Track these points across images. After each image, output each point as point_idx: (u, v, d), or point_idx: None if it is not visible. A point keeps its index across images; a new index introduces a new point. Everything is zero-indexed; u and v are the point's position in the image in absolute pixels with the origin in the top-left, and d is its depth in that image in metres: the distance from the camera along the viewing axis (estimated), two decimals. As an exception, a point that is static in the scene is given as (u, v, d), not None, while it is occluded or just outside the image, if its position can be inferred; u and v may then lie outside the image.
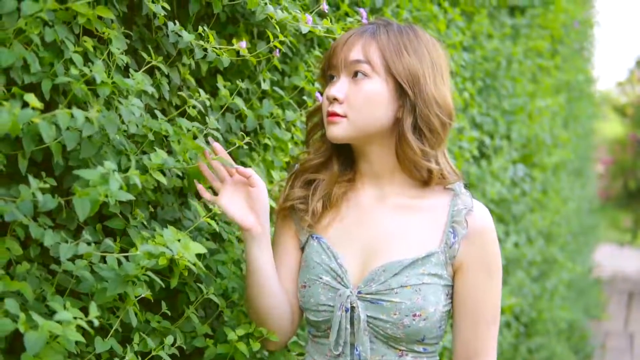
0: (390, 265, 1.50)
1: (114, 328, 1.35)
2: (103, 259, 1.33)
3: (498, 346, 1.58)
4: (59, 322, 1.11)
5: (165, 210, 1.62)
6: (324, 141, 1.61)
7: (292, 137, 1.96)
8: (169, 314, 1.51)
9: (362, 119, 1.52)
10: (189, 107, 1.58)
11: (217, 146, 1.54)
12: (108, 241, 1.38)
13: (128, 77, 1.40)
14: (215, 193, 1.55)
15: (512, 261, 4.13)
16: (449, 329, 2.00)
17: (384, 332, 1.50)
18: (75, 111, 1.18)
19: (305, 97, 2.00)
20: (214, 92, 1.77)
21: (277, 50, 1.73)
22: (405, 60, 1.51)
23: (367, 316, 1.50)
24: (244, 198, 1.54)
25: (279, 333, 1.60)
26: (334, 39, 1.74)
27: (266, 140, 1.88)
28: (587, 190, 8.69)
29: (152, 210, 1.58)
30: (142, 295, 1.35)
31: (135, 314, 1.39)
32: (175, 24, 1.55)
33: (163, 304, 1.50)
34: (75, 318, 1.13)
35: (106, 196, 1.15)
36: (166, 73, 1.57)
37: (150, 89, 1.43)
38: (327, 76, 1.58)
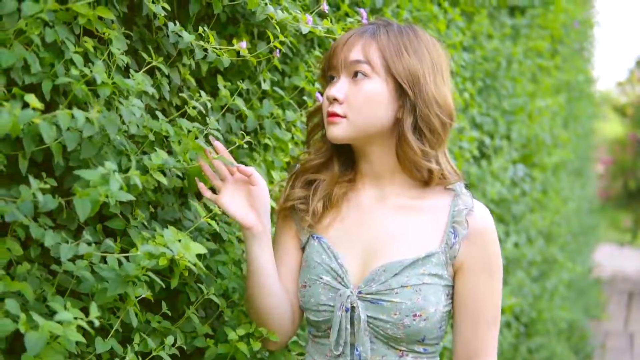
0: (391, 266, 1.50)
1: (114, 328, 1.35)
2: (103, 260, 1.33)
3: (498, 346, 1.58)
4: (59, 322, 1.11)
5: (165, 211, 1.62)
6: (324, 141, 1.61)
7: (293, 138, 1.97)
8: (170, 314, 1.52)
9: (362, 119, 1.52)
10: (189, 107, 1.58)
11: (218, 145, 1.54)
12: (108, 241, 1.38)
13: (128, 77, 1.40)
14: (216, 192, 1.55)
15: (512, 261, 4.13)
16: (450, 330, 2.00)
17: (384, 332, 1.50)
18: (76, 112, 1.18)
19: (305, 98, 2.00)
20: (214, 93, 1.77)
21: (278, 50, 1.73)
22: (405, 61, 1.51)
23: (368, 316, 1.50)
24: (244, 196, 1.54)
25: (279, 333, 1.60)
26: (334, 40, 1.74)
27: (266, 141, 1.88)
28: (587, 190, 8.70)
29: (153, 210, 1.59)
30: (143, 296, 1.35)
31: (136, 314, 1.39)
32: (175, 24, 1.55)
33: (163, 304, 1.50)
34: (75, 318, 1.13)
35: (106, 196, 1.15)
36: (166, 73, 1.57)
37: (151, 90, 1.43)
38: (328, 76, 1.58)
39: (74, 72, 1.27)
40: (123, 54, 1.39)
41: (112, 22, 1.41)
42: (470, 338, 1.55)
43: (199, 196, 1.69)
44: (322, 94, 1.62)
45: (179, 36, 1.55)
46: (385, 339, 1.51)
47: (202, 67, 1.69)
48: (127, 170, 1.38)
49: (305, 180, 1.62)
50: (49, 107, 1.29)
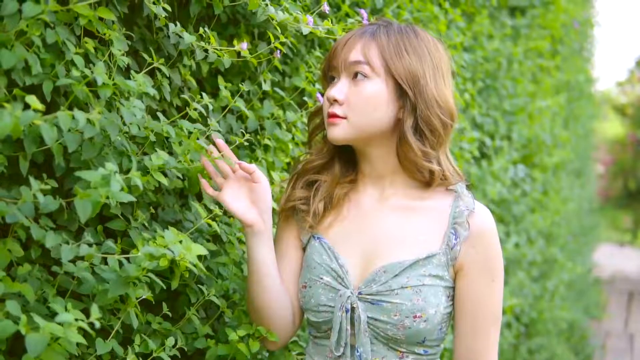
0: (391, 266, 1.50)
1: (115, 329, 1.35)
2: (104, 261, 1.33)
3: (498, 347, 1.58)
4: (60, 323, 1.11)
5: (166, 212, 1.62)
6: (325, 142, 1.61)
7: (293, 138, 1.96)
8: (170, 315, 1.52)
9: (362, 120, 1.51)
10: (190, 109, 1.58)
11: (220, 142, 1.54)
12: (109, 242, 1.38)
13: (129, 78, 1.40)
14: (218, 190, 1.55)
15: (512, 261, 4.13)
16: (450, 331, 2.00)
17: (385, 333, 1.49)
18: (77, 113, 1.18)
19: (306, 98, 2.00)
20: (214, 93, 1.77)
21: (278, 51, 1.73)
22: (405, 61, 1.51)
23: (368, 317, 1.50)
24: (246, 194, 1.54)
25: (279, 333, 1.60)
26: (335, 40, 1.74)
27: (267, 141, 1.88)
28: (587, 191, 8.70)
29: (153, 211, 1.59)
30: (143, 297, 1.35)
31: (136, 316, 1.39)
32: (176, 25, 1.55)
33: (164, 305, 1.50)
34: (76, 319, 1.12)
35: (107, 197, 1.15)
36: (167, 74, 1.57)
37: (152, 91, 1.43)
38: (328, 77, 1.58)
39: (74, 73, 1.27)
40: (124, 55, 1.39)
41: (113, 23, 1.41)
42: (471, 339, 1.55)
43: (199, 197, 1.69)
44: (322, 95, 1.61)
45: (180, 37, 1.55)
46: (386, 340, 1.50)
47: (202, 68, 1.69)
48: (127, 171, 1.38)
49: (307, 181, 1.62)
50: (50, 108, 1.29)
